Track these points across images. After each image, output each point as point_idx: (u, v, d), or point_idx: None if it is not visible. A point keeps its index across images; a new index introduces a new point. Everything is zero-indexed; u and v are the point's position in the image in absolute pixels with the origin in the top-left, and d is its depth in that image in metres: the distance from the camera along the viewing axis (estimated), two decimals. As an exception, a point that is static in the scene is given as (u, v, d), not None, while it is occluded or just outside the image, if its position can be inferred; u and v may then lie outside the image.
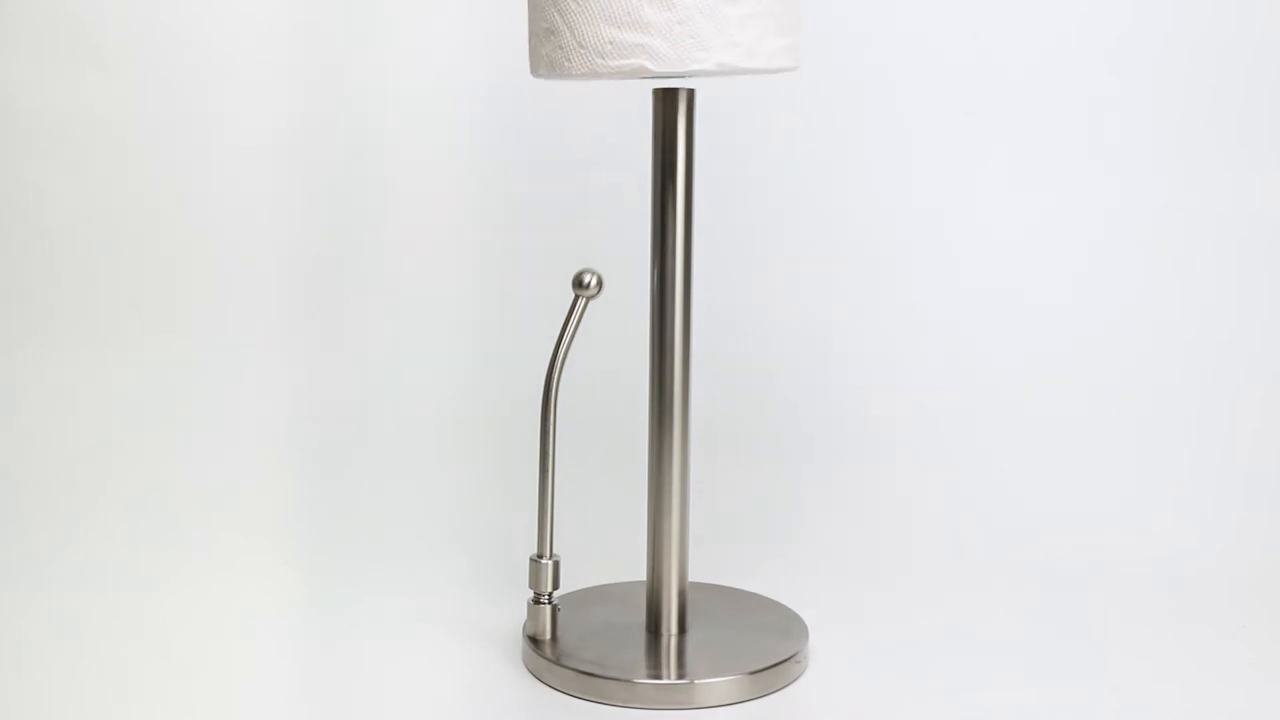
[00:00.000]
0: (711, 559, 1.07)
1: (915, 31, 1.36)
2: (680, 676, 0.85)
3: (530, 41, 0.85)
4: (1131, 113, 1.35)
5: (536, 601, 0.91)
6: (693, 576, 0.96)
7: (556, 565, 0.90)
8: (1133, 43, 1.34)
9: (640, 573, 0.96)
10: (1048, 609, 1.03)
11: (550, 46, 0.82)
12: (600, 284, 0.87)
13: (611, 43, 0.79)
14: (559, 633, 0.91)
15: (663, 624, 0.92)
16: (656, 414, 0.91)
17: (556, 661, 0.87)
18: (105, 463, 1.28)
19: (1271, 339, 1.33)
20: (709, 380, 1.16)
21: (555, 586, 0.91)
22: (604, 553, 1.09)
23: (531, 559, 0.90)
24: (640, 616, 0.94)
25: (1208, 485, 1.24)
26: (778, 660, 0.87)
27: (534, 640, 0.90)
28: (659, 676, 0.85)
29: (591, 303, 0.88)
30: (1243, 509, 1.21)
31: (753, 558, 1.13)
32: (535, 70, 0.85)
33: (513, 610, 0.98)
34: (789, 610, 0.97)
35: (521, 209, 1.20)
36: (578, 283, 0.87)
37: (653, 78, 0.82)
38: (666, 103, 0.87)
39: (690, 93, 0.87)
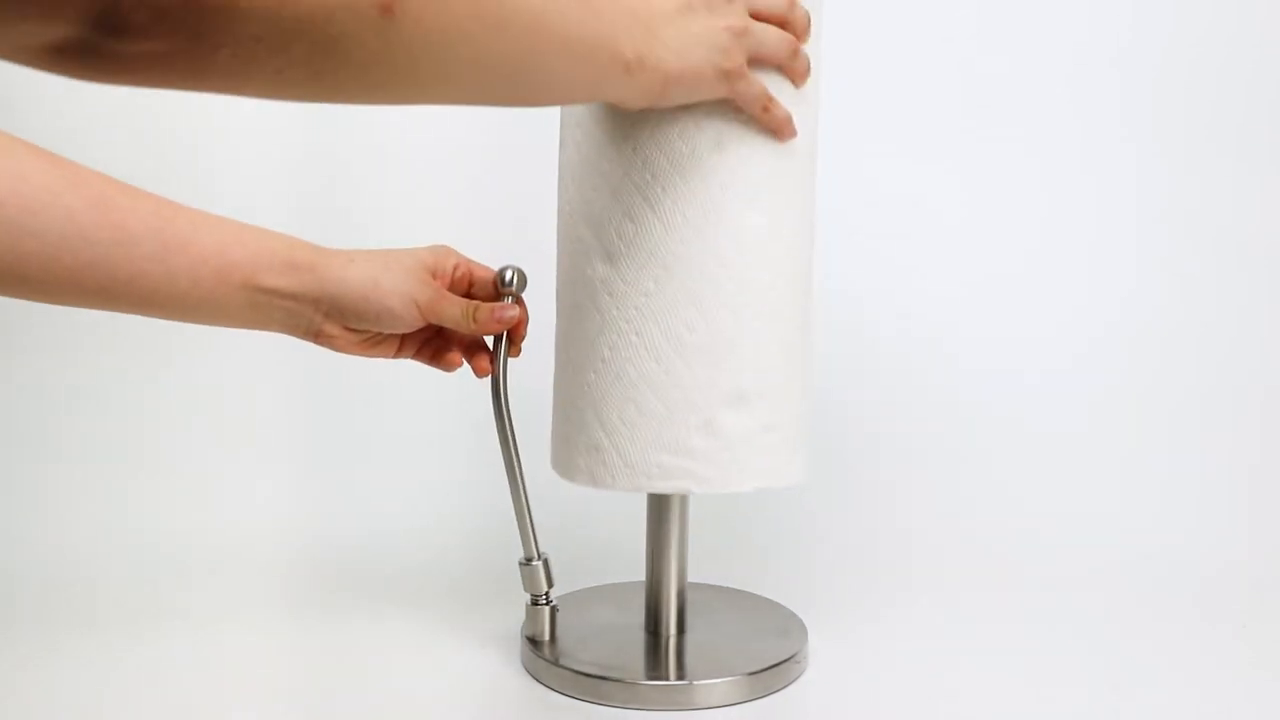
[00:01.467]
0: (712, 559, 1.07)
1: (918, 22, 1.36)
2: (680, 677, 0.85)
3: (560, 444, 0.88)
4: (1132, 117, 1.35)
5: (534, 603, 0.91)
6: (692, 577, 0.96)
7: (547, 565, 0.90)
8: (1134, 46, 1.34)
9: (640, 573, 0.96)
10: (1048, 609, 1.03)
11: (592, 460, 0.84)
12: (524, 280, 0.88)
13: (659, 466, 0.82)
14: (558, 633, 0.91)
15: (662, 625, 0.92)
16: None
17: (556, 662, 0.87)
18: (103, 462, 1.28)
19: (1272, 341, 1.33)
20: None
21: (550, 586, 0.90)
22: (604, 553, 1.09)
23: (520, 564, 0.90)
24: (640, 617, 0.94)
25: (1208, 486, 1.24)
26: (778, 661, 0.87)
27: (533, 641, 0.90)
28: (659, 677, 0.85)
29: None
30: (1243, 509, 1.21)
31: (753, 558, 1.13)
32: (569, 476, 0.87)
33: (512, 611, 0.98)
34: (789, 610, 0.97)
35: (524, 206, 1.19)
36: (501, 280, 0.88)
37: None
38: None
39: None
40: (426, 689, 0.87)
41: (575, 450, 0.85)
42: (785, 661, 0.88)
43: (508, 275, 0.88)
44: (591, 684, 0.85)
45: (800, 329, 0.86)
